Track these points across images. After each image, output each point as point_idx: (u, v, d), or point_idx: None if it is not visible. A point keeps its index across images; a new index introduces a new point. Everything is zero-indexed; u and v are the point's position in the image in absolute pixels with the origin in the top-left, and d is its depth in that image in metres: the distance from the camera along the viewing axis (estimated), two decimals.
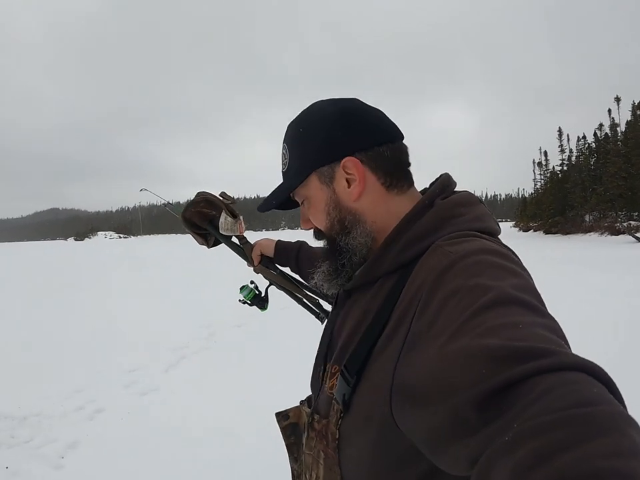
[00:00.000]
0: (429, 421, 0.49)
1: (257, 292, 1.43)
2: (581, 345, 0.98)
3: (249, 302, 1.43)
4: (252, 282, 1.45)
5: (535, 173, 49.47)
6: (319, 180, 0.75)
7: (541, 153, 48.34)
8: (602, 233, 31.58)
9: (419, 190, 0.79)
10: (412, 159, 0.78)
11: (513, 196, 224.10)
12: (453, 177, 0.77)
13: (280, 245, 1.39)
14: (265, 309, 1.44)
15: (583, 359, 0.43)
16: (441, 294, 0.56)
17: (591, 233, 33.01)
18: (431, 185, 0.77)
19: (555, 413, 0.37)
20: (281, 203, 0.82)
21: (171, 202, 1.64)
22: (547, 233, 39.34)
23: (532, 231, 44.29)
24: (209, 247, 1.45)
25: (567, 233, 36.20)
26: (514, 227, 55.01)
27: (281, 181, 0.83)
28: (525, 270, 0.61)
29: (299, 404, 0.91)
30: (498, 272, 0.56)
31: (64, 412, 3.75)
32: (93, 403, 3.93)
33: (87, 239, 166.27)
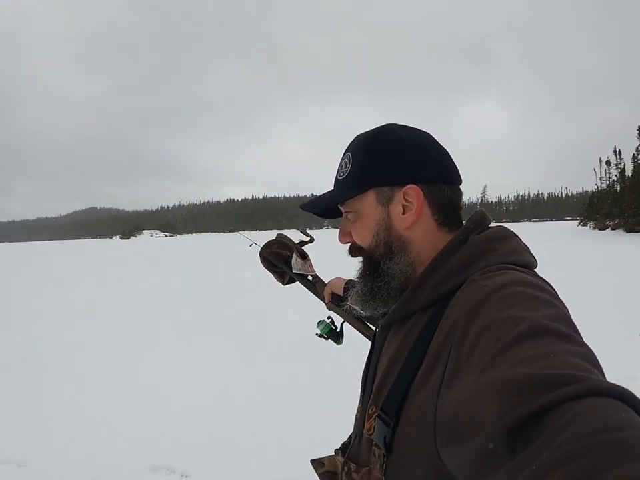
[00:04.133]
0: (465, 455, 0.49)
1: (333, 327, 1.46)
2: None
3: (325, 336, 1.47)
4: (329, 317, 1.48)
5: (597, 172, 49.13)
6: (376, 198, 0.75)
7: (615, 152, 48.33)
8: None
9: None
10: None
11: (556, 194, 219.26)
12: (487, 213, 0.78)
13: (349, 283, 1.37)
14: (340, 343, 1.48)
15: (613, 384, 0.43)
16: (476, 328, 0.56)
17: None
18: (467, 221, 0.76)
19: (583, 440, 0.37)
20: (327, 209, 0.84)
21: (257, 243, 1.74)
22: (628, 232, 39.06)
23: (609, 229, 44.12)
24: (284, 284, 1.56)
25: None
26: (582, 225, 54.80)
27: (331, 187, 0.83)
28: (560, 301, 0.61)
29: (333, 453, 0.87)
30: (531, 303, 0.56)
31: None
32: None
33: (132, 237, 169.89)
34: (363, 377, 0.86)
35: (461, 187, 0.79)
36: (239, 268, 15.66)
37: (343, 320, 1.41)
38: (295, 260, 1.47)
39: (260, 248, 1.55)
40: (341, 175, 0.80)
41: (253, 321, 7.54)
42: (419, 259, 0.75)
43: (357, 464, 0.74)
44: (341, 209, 0.82)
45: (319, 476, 0.87)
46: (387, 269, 0.75)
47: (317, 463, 0.88)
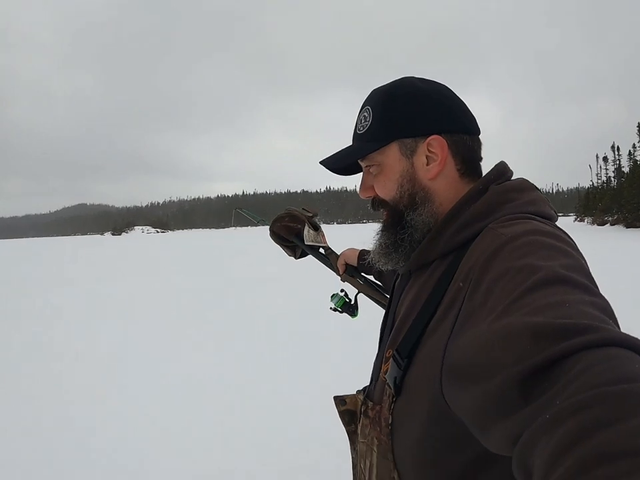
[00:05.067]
0: (474, 399, 0.49)
1: (347, 299, 1.45)
2: None
3: (339, 309, 1.45)
4: (342, 290, 1.46)
5: (593, 168, 49.66)
6: (400, 150, 0.75)
7: (614, 148, 48.83)
8: None
9: None
10: None
11: (547, 190, 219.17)
12: (509, 165, 0.77)
13: (362, 254, 1.39)
14: (355, 315, 1.46)
15: (627, 335, 0.43)
16: (492, 274, 0.56)
17: None
18: (487, 172, 0.76)
19: (595, 390, 0.37)
20: (348, 166, 0.83)
21: (263, 219, 1.79)
22: (628, 227, 39.54)
23: (609, 225, 44.50)
24: (296, 258, 1.55)
25: None
26: (578, 221, 55.33)
27: (349, 143, 0.82)
28: (578, 251, 0.61)
29: (355, 392, 0.89)
30: (549, 252, 0.56)
31: None
32: None
33: (124, 233, 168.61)
34: (382, 324, 0.87)
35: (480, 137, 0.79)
36: (259, 263, 15.38)
37: (357, 291, 1.40)
38: (307, 231, 1.44)
39: (271, 222, 1.52)
40: (361, 129, 0.79)
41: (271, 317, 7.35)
42: (441, 210, 0.74)
43: (372, 402, 0.76)
44: (361, 163, 0.81)
45: (339, 414, 0.89)
46: (410, 220, 0.75)
47: (339, 400, 0.89)
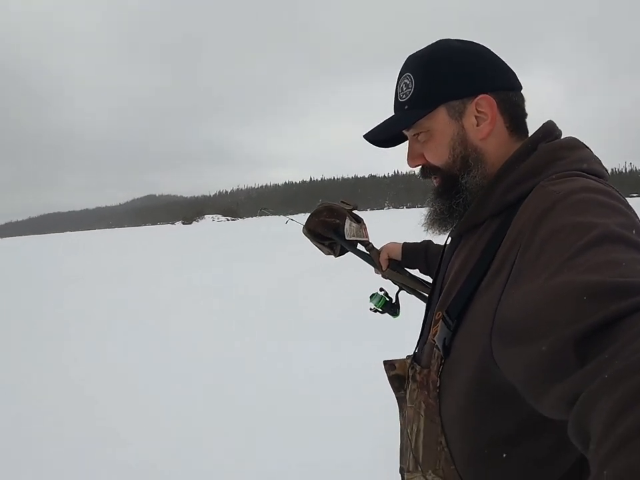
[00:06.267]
0: (526, 359, 0.48)
1: (388, 299, 1.36)
2: None
3: (380, 310, 1.36)
4: (381, 289, 1.38)
5: None
6: (448, 113, 0.72)
7: None
8: None
9: None
10: None
11: (619, 170, 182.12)
12: (557, 124, 0.75)
13: (407, 246, 1.33)
14: (397, 315, 1.37)
15: None
16: (545, 232, 0.54)
17: None
18: (536, 131, 0.74)
19: None
20: (390, 137, 0.80)
21: (292, 218, 1.84)
22: None
23: None
24: (335, 256, 1.45)
25: None
26: None
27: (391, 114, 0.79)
28: (631, 209, 0.58)
29: (405, 357, 0.88)
30: (603, 210, 0.54)
31: None
32: None
33: (194, 222, 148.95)
34: (431, 287, 0.86)
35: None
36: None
37: (398, 289, 1.36)
38: (349, 225, 1.36)
39: (306, 220, 1.44)
40: (403, 97, 0.76)
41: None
42: (493, 170, 0.72)
43: (420, 366, 0.75)
44: (407, 133, 0.79)
45: (389, 379, 0.88)
46: (465, 184, 0.73)
47: (388, 365, 0.88)
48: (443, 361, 0.68)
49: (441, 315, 0.70)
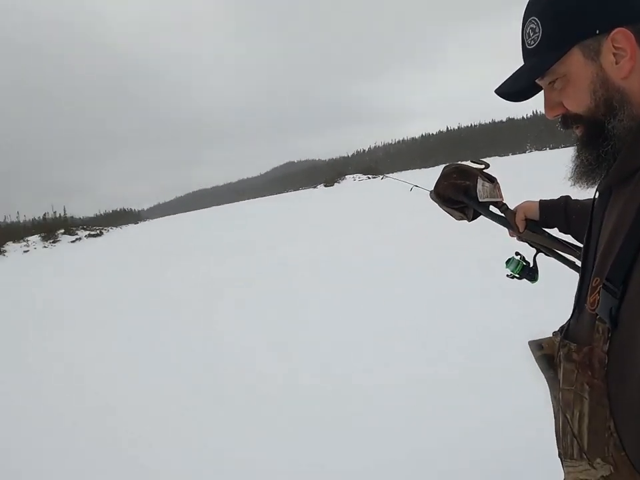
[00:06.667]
0: None
1: (525, 263, 1.30)
2: None
3: (518, 275, 1.31)
4: (517, 253, 1.32)
5: None
6: (583, 54, 0.67)
7: None
8: None
9: None
10: None
11: None
12: None
13: (544, 204, 1.23)
14: (536, 280, 1.31)
15: None
16: None
17: None
18: None
19: None
20: (525, 88, 0.76)
21: (417, 185, 1.72)
22: None
23: None
24: (469, 220, 1.39)
25: None
26: None
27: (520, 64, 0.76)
28: None
29: (552, 335, 0.82)
30: None
31: None
32: None
33: (336, 184, 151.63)
34: (583, 251, 0.80)
35: None
36: None
37: (535, 252, 1.30)
38: (482, 186, 1.28)
39: (434, 185, 1.36)
40: (531, 43, 0.72)
41: None
42: None
43: (577, 343, 0.69)
44: (540, 82, 0.75)
45: (536, 360, 0.83)
46: (612, 129, 0.68)
47: (535, 345, 0.84)
48: (610, 334, 0.61)
49: (599, 281, 0.64)
